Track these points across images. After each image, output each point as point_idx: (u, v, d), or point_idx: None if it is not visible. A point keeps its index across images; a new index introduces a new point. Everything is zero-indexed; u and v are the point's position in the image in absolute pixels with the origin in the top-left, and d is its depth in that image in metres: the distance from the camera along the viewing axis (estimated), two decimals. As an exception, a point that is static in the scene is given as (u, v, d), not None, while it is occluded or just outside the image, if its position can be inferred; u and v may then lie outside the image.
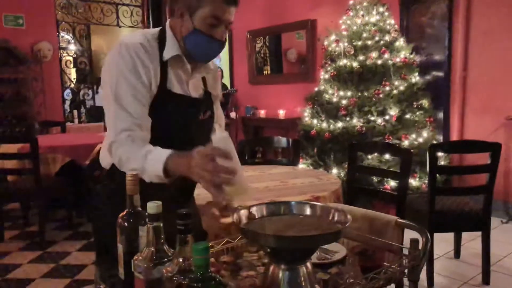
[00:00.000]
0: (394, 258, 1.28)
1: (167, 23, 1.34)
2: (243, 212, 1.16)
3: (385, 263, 1.21)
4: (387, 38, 4.01)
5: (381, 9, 4.09)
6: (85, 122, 7.00)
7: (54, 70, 6.38)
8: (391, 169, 3.34)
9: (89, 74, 7.36)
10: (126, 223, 1.02)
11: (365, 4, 4.11)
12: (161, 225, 0.95)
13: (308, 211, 1.19)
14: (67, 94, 6.97)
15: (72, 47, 7.52)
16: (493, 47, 4.09)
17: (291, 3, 5.83)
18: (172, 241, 0.94)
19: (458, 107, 4.35)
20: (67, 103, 7.02)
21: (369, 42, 4.01)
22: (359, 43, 4.05)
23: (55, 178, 3.77)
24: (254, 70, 6.58)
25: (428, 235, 1.23)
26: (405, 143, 3.77)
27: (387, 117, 3.85)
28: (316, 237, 1.04)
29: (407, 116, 3.89)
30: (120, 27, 7.39)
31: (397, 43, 4.03)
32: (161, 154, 1.14)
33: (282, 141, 3.05)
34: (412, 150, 2.51)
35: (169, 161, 1.12)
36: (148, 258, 0.95)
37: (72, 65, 7.28)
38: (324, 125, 4.06)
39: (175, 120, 1.18)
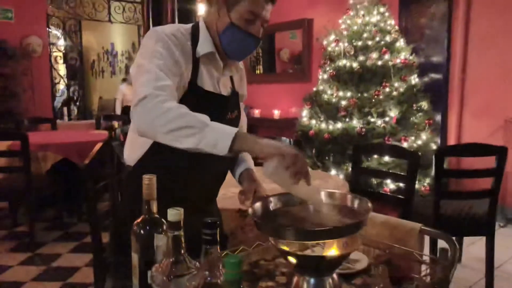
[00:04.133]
0: (419, 267, 1.22)
1: (201, 19, 1.32)
2: (258, 205, 1.10)
3: (414, 274, 1.15)
4: (387, 38, 3.96)
5: (381, 9, 4.04)
6: (75, 119, 6.86)
7: (43, 65, 6.24)
8: (396, 172, 3.27)
9: (80, 71, 7.22)
10: (142, 231, 0.94)
11: (365, 3, 4.06)
12: (182, 234, 0.87)
13: (325, 199, 1.13)
14: (61, 93, 6.81)
15: (61, 43, 7.36)
16: (492, 50, 4.08)
17: (287, 1, 5.76)
18: (191, 248, 0.88)
19: (456, 109, 4.33)
20: (57, 99, 6.86)
21: (369, 43, 3.96)
22: (359, 43, 3.99)
23: (46, 177, 3.65)
24: (248, 69, 6.51)
25: (457, 244, 1.17)
26: (405, 145, 3.73)
27: (387, 119, 3.80)
28: (339, 229, 0.96)
29: (407, 118, 3.85)
30: (112, 23, 7.26)
31: (397, 44, 3.99)
32: (225, 125, 1.07)
33: (285, 141, 2.98)
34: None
35: (239, 133, 1.04)
36: (167, 270, 0.87)
37: (62, 61, 7.13)
38: (323, 125, 4.00)
39: None
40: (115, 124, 5.05)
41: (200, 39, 1.27)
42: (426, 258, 1.20)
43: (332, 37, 4.20)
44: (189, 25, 1.31)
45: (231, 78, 1.40)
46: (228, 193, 1.95)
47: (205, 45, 1.26)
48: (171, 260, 0.87)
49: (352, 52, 3.99)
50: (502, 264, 3.06)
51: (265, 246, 1.29)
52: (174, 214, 0.86)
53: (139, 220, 0.95)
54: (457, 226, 2.64)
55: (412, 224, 1.31)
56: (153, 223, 0.94)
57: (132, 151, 1.31)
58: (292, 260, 1.02)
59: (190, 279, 0.85)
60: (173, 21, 6.06)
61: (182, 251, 0.88)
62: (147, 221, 0.94)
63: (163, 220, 0.94)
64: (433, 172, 3.79)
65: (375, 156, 3.60)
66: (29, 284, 2.82)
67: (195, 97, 1.23)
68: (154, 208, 0.95)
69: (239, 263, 0.75)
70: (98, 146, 1.84)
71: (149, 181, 0.93)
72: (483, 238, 2.67)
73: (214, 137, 1.04)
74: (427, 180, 3.81)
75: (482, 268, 2.72)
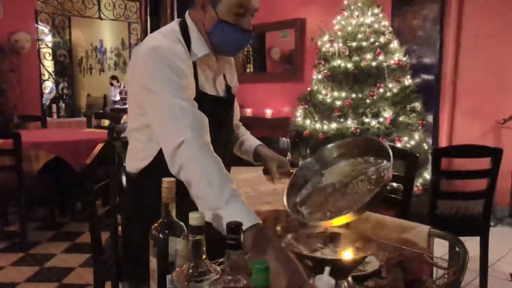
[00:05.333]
0: (429, 270, 1.23)
1: (187, 16, 1.24)
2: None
3: (424, 276, 1.16)
4: (381, 39, 3.98)
5: (376, 10, 4.06)
6: (64, 116, 6.76)
7: (32, 62, 6.13)
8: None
9: (69, 67, 7.11)
10: (161, 235, 0.93)
11: (359, 4, 4.08)
12: (204, 238, 0.87)
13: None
14: (50, 90, 6.70)
15: (49, 39, 7.24)
16: (483, 52, 4.14)
17: (279, 1, 5.76)
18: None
19: (448, 110, 4.38)
20: (45, 96, 6.76)
21: (364, 43, 3.98)
22: (354, 44, 4.01)
23: (38, 176, 3.59)
24: (239, 67, 6.50)
25: (465, 247, 1.19)
26: (398, 145, 3.76)
27: (381, 119, 3.83)
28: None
29: (401, 118, 3.88)
30: (102, 19, 7.17)
31: (391, 45, 4.02)
32: (242, 211, 0.98)
33: (284, 142, 2.97)
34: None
35: (253, 228, 0.97)
36: (186, 274, 0.86)
37: (50, 57, 7.01)
38: (318, 125, 4.01)
39: (212, 123, 1.09)
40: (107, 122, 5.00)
41: (192, 40, 1.20)
42: (437, 260, 1.21)
43: (327, 37, 4.22)
44: (177, 26, 1.22)
45: (224, 74, 1.36)
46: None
47: (199, 47, 1.20)
48: (191, 264, 0.87)
49: (347, 53, 4.00)
50: (495, 263, 3.12)
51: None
52: (196, 218, 0.85)
53: (157, 223, 0.94)
54: (452, 226, 2.68)
55: (420, 226, 1.33)
56: (172, 226, 0.94)
57: (135, 162, 1.25)
58: (308, 263, 1.03)
59: (211, 284, 0.85)
60: (172, 18, 5.95)
61: (204, 256, 0.87)
62: (165, 225, 0.93)
63: (182, 223, 0.93)
64: (425, 173, 3.85)
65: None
66: (23, 285, 2.77)
67: (200, 104, 1.16)
68: (173, 212, 0.94)
69: (267, 269, 0.75)
70: (99, 146, 1.81)
71: (168, 184, 0.92)
72: (473, 238, 2.70)
73: (222, 223, 0.99)
74: (420, 180, 3.85)
75: (474, 267, 2.76)
